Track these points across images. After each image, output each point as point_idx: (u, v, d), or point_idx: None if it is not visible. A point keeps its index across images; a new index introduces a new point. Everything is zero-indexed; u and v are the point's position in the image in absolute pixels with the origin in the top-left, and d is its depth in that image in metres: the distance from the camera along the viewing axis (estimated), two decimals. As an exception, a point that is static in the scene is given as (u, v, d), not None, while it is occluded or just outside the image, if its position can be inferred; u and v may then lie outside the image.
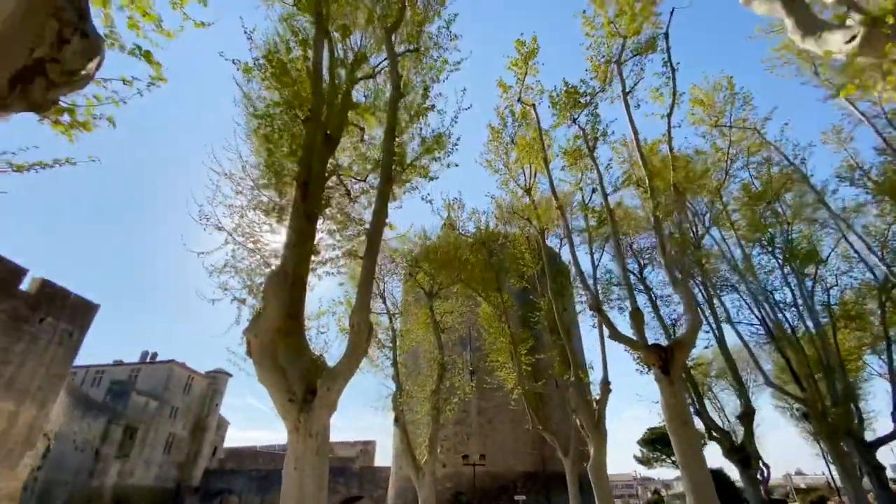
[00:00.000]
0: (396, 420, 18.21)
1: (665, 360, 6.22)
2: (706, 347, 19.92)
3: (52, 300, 23.37)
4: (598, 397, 11.56)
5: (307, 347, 6.67)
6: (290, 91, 6.80)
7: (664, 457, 39.58)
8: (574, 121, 12.26)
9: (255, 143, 7.51)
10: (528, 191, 15.19)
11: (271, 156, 6.79)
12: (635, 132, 8.82)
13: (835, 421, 13.99)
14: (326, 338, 7.80)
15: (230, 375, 49.40)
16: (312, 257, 7.49)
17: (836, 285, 17.96)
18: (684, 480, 5.88)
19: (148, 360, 44.53)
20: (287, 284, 5.99)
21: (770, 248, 16.89)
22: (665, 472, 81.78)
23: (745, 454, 15.51)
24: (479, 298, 20.30)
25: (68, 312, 23.65)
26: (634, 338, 7.32)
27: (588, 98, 11.72)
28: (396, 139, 8.23)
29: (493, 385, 18.36)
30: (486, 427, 28.72)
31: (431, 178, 8.87)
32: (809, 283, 16.62)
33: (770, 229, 15.98)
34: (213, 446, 46.91)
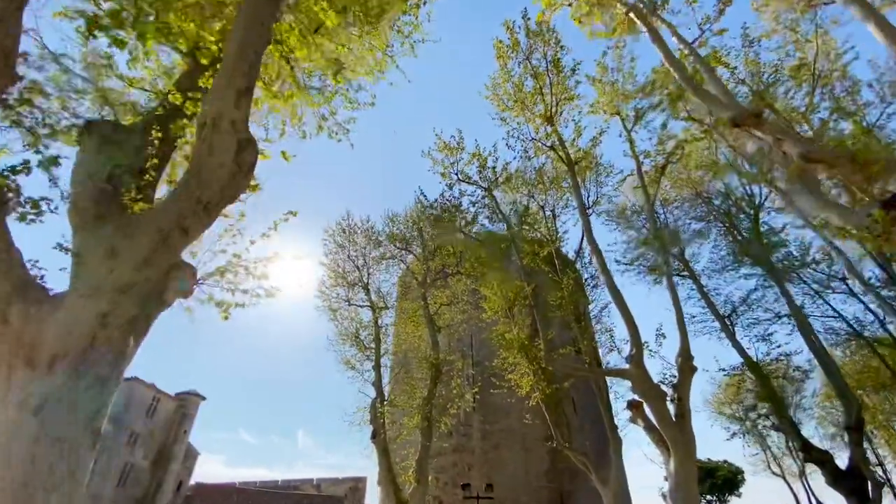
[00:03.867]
0: (374, 435, 13.75)
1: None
2: (786, 344, 15.80)
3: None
4: (675, 381, 7.38)
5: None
6: None
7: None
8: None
9: None
10: (549, 119, 11.59)
11: None
12: None
13: None
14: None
15: (203, 398, 44.27)
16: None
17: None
18: None
19: (110, 378, 39.64)
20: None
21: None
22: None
23: (858, 480, 11.02)
24: (484, 293, 16.42)
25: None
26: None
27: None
28: None
29: (502, 388, 14.01)
30: (492, 454, 23.87)
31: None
32: None
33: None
34: (179, 480, 41.15)
